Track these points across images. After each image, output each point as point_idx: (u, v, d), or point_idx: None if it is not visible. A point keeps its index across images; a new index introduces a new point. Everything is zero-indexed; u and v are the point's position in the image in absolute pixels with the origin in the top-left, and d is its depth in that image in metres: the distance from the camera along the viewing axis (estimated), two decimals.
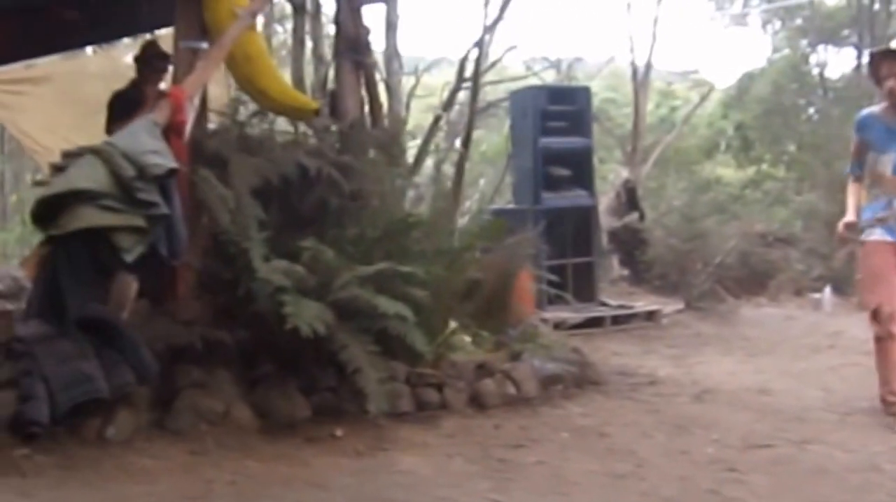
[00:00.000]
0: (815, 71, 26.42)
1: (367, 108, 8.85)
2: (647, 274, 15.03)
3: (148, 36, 9.62)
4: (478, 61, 16.02)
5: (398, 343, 6.77)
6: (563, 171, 12.58)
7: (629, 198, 16.40)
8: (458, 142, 19.61)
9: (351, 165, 7.55)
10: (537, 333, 8.61)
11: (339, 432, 6.36)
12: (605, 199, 16.10)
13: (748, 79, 27.25)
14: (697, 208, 15.37)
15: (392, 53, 16.04)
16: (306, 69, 15.05)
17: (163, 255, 5.94)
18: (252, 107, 7.97)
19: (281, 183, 7.08)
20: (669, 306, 13.24)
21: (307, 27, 14.92)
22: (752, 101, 26.57)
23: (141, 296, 6.92)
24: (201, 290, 6.77)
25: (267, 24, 18.53)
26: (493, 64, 20.75)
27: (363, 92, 8.83)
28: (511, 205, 13.31)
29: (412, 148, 15.76)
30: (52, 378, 5.62)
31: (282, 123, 8.15)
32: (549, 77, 24.01)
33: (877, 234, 7.12)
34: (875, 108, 7.34)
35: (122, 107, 7.89)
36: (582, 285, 12.40)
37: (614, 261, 15.93)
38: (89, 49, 11.97)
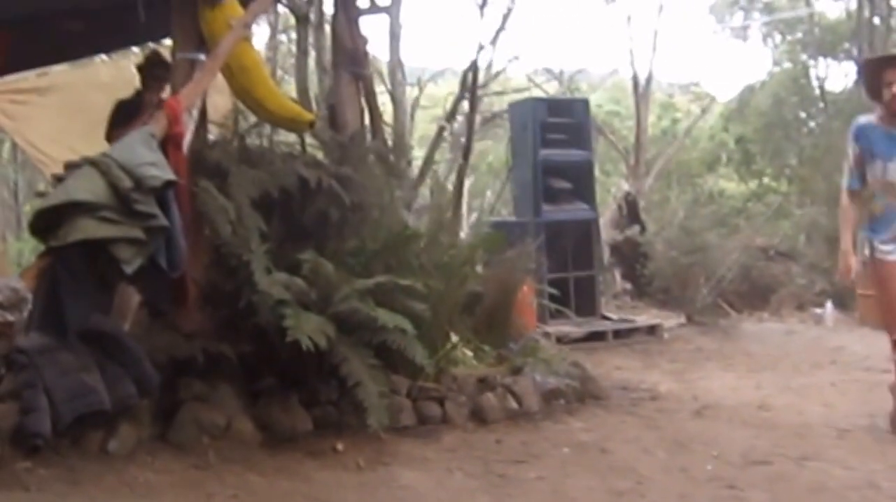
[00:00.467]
0: (816, 84, 26.40)
1: (366, 120, 8.85)
2: (648, 287, 15.03)
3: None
4: (475, 74, 16.00)
5: (399, 356, 6.77)
6: (564, 184, 12.59)
7: (630, 211, 16.42)
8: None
9: (351, 177, 7.54)
10: (539, 347, 8.60)
11: (340, 446, 6.35)
12: (607, 212, 16.11)
13: (749, 92, 27.26)
14: (698, 221, 15.33)
15: (396, 64, 16.04)
16: (310, 80, 15.07)
17: (162, 267, 5.93)
18: (252, 118, 7.97)
19: (281, 194, 7.06)
20: (671, 320, 13.27)
21: (311, 38, 14.93)
22: (752, 113, 26.58)
23: (143, 307, 6.91)
24: (203, 302, 6.76)
25: (272, 35, 18.56)
26: (496, 75, 20.78)
27: (363, 103, 8.83)
28: (512, 218, 13.29)
29: (417, 159, 15.80)
30: (55, 390, 5.59)
31: (282, 134, 8.14)
32: (552, 89, 24.05)
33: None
34: (871, 117, 7.19)
35: (124, 115, 7.93)
36: (583, 299, 12.42)
37: (616, 274, 15.93)
38: (97, 58, 11.96)
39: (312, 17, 14.68)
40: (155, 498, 5.38)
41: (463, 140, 16.48)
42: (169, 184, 5.83)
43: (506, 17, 19.24)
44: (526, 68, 25.77)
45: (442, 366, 7.45)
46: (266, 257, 6.52)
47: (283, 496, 5.51)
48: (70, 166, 6.52)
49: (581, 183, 12.83)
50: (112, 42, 8.99)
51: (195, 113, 6.79)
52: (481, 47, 16.73)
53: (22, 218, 21.44)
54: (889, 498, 5.52)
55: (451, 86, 19.91)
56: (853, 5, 24.01)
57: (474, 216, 14.10)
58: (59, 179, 5.90)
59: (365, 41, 8.82)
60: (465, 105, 17.86)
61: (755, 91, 26.94)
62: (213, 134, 7.65)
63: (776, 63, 27.48)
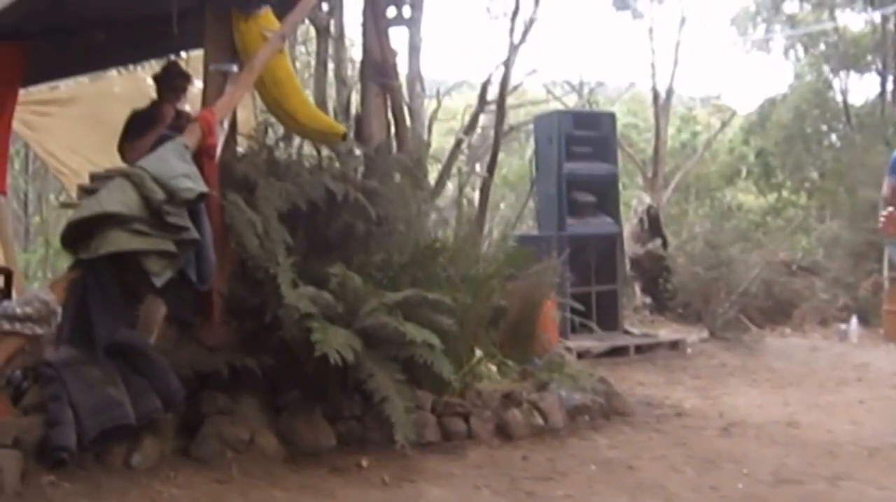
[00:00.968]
0: (838, 97, 26.27)
1: (392, 132, 8.80)
2: (670, 302, 14.95)
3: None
4: (503, 85, 15.94)
5: (424, 371, 6.73)
6: (588, 198, 12.54)
7: (652, 225, 16.32)
8: (478, 166, 19.60)
9: (377, 190, 7.52)
10: (564, 363, 8.53)
11: (364, 462, 6.30)
12: (627, 226, 16.03)
13: (770, 104, 27.14)
14: (721, 236, 15.27)
15: (415, 76, 16.01)
16: (329, 91, 15.05)
17: (192, 280, 5.90)
18: (280, 130, 7.94)
19: (308, 207, 7.04)
20: (693, 335, 13.18)
21: (330, 49, 14.92)
22: (773, 127, 26.44)
23: (168, 320, 6.87)
24: (228, 316, 6.73)
25: (291, 46, 18.56)
26: (515, 87, 20.73)
27: (389, 116, 8.79)
28: (535, 232, 13.22)
29: (433, 171, 15.74)
30: (80, 403, 5.58)
31: (309, 147, 8.10)
32: (571, 101, 23.99)
33: None
34: None
35: (138, 126, 7.87)
36: (606, 313, 12.35)
37: (636, 288, 15.86)
38: (114, 70, 11.95)
39: (332, 28, 14.69)
40: None
41: (481, 152, 16.43)
42: (202, 196, 5.80)
43: (526, 31, 19.21)
44: (544, 80, 25.76)
45: (467, 381, 7.40)
46: (292, 270, 6.48)
47: None
48: (95, 178, 6.51)
49: (605, 196, 12.78)
50: (143, 53, 8.97)
51: (225, 125, 6.77)
52: (509, 60, 16.64)
53: (31, 229, 21.47)
54: None
55: (466, 98, 19.86)
56: (877, 18, 23.89)
57: (489, 228, 14.03)
58: (86, 191, 5.87)
59: (394, 53, 8.78)
60: (482, 118, 17.87)
61: (776, 104, 26.81)
62: (240, 146, 7.62)
63: (798, 76, 27.34)
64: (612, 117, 13.69)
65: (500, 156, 23.14)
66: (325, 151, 8.14)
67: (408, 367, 6.59)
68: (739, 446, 7.19)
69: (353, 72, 14.65)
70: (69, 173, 9.45)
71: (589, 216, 12.55)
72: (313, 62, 16.33)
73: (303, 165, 7.54)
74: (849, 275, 15.84)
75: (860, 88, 41.59)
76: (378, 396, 6.25)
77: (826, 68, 26.19)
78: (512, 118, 20.49)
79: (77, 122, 10.24)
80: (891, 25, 22.96)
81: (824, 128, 26.70)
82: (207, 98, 7.03)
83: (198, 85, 8.04)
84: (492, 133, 17.47)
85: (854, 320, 14.10)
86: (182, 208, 5.66)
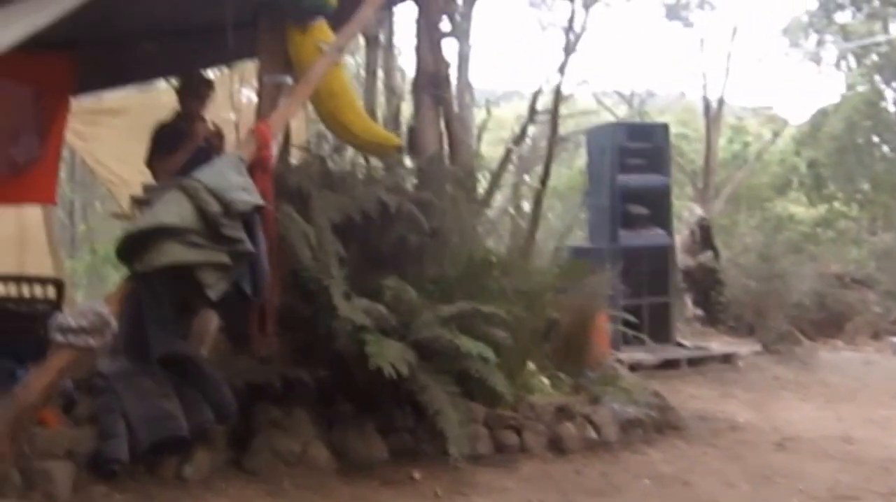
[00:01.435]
0: (891, 108, 26.06)
1: (445, 144, 8.77)
2: (722, 314, 14.84)
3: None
4: (556, 95, 15.90)
5: (477, 384, 6.69)
6: (641, 210, 12.48)
7: (704, 237, 16.22)
8: (527, 177, 19.57)
9: (430, 202, 7.48)
10: (617, 376, 8.48)
11: (416, 474, 6.28)
12: (678, 237, 15.94)
13: (822, 115, 26.95)
14: (774, 248, 15.16)
15: (464, 86, 16.03)
16: (378, 101, 15.06)
17: (246, 292, 5.89)
18: (333, 142, 7.94)
19: (361, 219, 7.02)
20: (745, 348, 13.06)
21: (379, 59, 14.94)
22: (825, 137, 26.27)
23: (221, 332, 6.88)
24: (281, 327, 6.71)
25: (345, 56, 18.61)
26: (566, 98, 20.70)
27: (442, 127, 8.76)
28: (587, 244, 13.16)
29: (484, 181, 15.72)
30: (133, 415, 5.59)
31: (361, 158, 8.10)
32: (621, 112, 23.94)
33: None
34: None
35: (168, 140, 7.83)
36: (658, 326, 12.26)
37: (687, 300, 15.75)
38: (163, 81, 12.01)
39: (382, 38, 14.70)
40: None
41: (530, 163, 16.39)
42: (257, 208, 5.80)
43: (577, 40, 19.19)
44: (594, 90, 25.72)
45: (520, 393, 7.35)
46: (345, 282, 6.47)
47: None
48: (149, 189, 6.52)
49: (658, 208, 12.71)
50: (197, 63, 8.98)
51: (280, 137, 6.77)
52: (562, 71, 16.63)
53: (76, 238, 21.62)
54: None
55: (515, 108, 19.84)
56: None
57: (547, 240, 13.95)
58: (140, 202, 5.88)
59: (447, 65, 8.76)
60: (531, 128, 17.83)
61: (828, 114, 26.63)
62: (294, 157, 7.63)
63: (850, 87, 27.14)
64: (665, 129, 13.63)
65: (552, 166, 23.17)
66: (377, 163, 8.15)
67: (461, 380, 6.55)
68: (794, 461, 7.14)
69: (402, 81, 14.68)
70: (119, 182, 9.50)
71: (641, 228, 12.49)
72: (363, 72, 16.38)
73: (356, 177, 7.54)
74: None
75: None
76: (431, 409, 6.22)
77: (878, 79, 25.98)
78: (561, 128, 20.46)
79: (126, 132, 10.26)
80: None
81: (876, 139, 26.48)
82: (262, 110, 7.04)
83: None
84: (541, 143, 17.44)
85: None
86: (237, 220, 5.66)
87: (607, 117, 21.07)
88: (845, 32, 25.83)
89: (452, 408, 6.26)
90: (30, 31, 5.65)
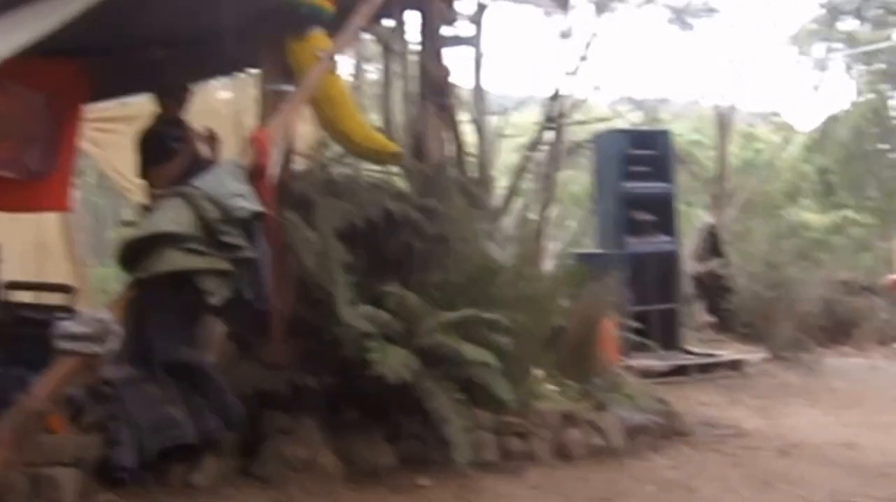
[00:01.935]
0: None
1: (451, 151, 8.80)
2: (731, 321, 14.84)
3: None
4: (561, 104, 15.90)
5: (483, 391, 6.69)
6: (647, 216, 12.51)
7: (712, 244, 16.24)
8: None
9: (435, 209, 7.50)
10: (623, 382, 8.49)
11: (424, 481, 6.29)
12: (689, 244, 15.96)
13: (831, 122, 26.96)
14: (780, 255, 15.16)
15: (479, 94, 15.99)
16: (395, 109, 15.04)
17: (248, 299, 5.92)
18: (337, 149, 7.96)
19: (366, 226, 7.04)
20: (754, 355, 13.06)
21: (397, 67, 14.91)
22: (833, 144, 26.28)
23: (228, 339, 6.90)
24: (287, 335, 6.73)
25: (357, 64, 18.57)
26: (581, 104, 20.70)
27: (447, 134, 8.79)
28: (595, 250, 13.18)
29: (500, 188, 15.72)
30: (140, 422, 5.60)
31: (366, 165, 8.12)
32: (635, 118, 23.95)
33: None
34: None
35: (157, 145, 7.84)
36: (666, 332, 12.28)
37: (699, 307, 15.75)
38: None
39: (398, 46, 14.70)
40: None
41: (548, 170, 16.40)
42: (257, 215, 5.83)
43: (588, 47, 19.20)
44: (609, 97, 25.74)
45: (526, 400, 7.36)
46: (350, 289, 6.49)
47: None
48: (157, 197, 6.55)
49: (664, 215, 12.76)
50: (200, 73, 9.02)
51: (281, 144, 6.80)
52: (566, 77, 16.64)
53: (107, 245, 21.67)
54: None
55: (535, 114, 19.82)
56: None
57: (553, 246, 13.93)
58: (146, 209, 5.92)
59: (448, 72, 8.78)
60: (548, 134, 17.81)
61: (836, 121, 26.64)
62: (298, 164, 7.64)
63: (859, 93, 27.15)
64: (668, 136, 13.70)
65: (569, 172, 23.15)
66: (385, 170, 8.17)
67: (466, 387, 6.56)
68: (796, 467, 7.16)
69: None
70: (135, 189, 9.52)
71: (648, 234, 12.53)
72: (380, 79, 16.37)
73: (360, 184, 7.55)
74: None
75: None
76: (436, 416, 6.24)
77: (885, 86, 25.99)
78: (578, 134, 20.46)
79: None
80: None
81: (884, 146, 26.48)
82: (263, 118, 7.07)
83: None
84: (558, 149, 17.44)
85: None
86: (237, 227, 5.69)
87: (622, 124, 21.07)
88: (852, 39, 25.82)
89: (457, 415, 6.27)
90: (35, 37, 5.70)
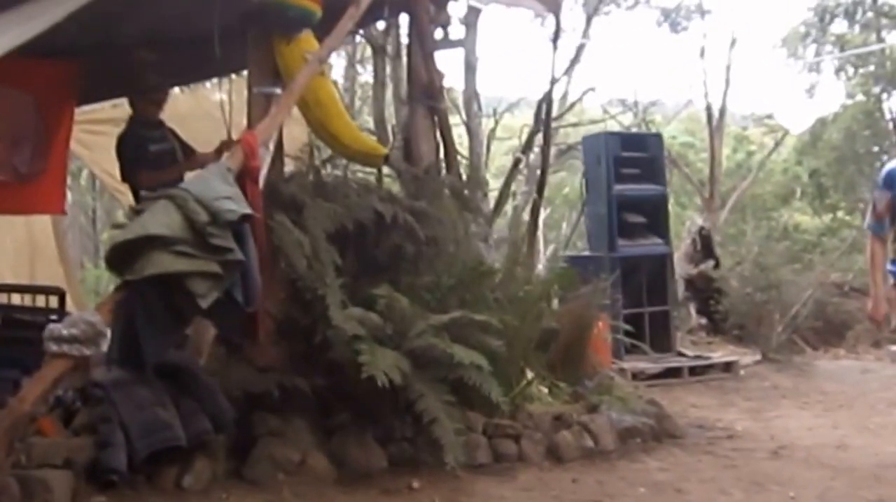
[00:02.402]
0: (888, 117, 26.08)
1: (441, 154, 8.80)
2: (723, 323, 14.85)
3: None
4: (548, 106, 15.89)
5: (474, 393, 6.71)
6: (638, 219, 12.49)
7: (704, 246, 16.25)
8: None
9: (425, 211, 7.51)
10: (614, 384, 8.50)
11: (415, 484, 6.28)
12: (681, 246, 15.97)
13: (821, 124, 26.98)
14: (772, 258, 15.14)
15: (472, 95, 16.01)
16: (387, 111, 15.07)
17: (238, 301, 5.91)
18: (327, 151, 7.96)
19: (356, 228, 7.04)
20: (746, 357, 13.08)
21: (388, 69, 14.94)
22: (825, 147, 26.31)
23: (218, 342, 6.89)
24: (278, 337, 6.74)
25: (349, 66, 18.61)
26: (571, 106, 20.70)
27: (437, 137, 8.79)
28: (586, 253, 13.18)
29: (492, 190, 15.71)
30: (130, 425, 5.61)
31: (356, 167, 8.12)
32: (627, 120, 23.96)
33: None
34: None
35: (136, 149, 7.92)
36: (658, 334, 12.27)
37: (691, 309, 15.75)
38: (176, 89, 12.04)
39: (389, 48, 14.72)
40: None
41: (538, 173, 16.37)
42: (245, 217, 5.82)
43: (580, 49, 19.23)
44: (601, 99, 25.74)
45: (517, 402, 7.38)
46: (341, 292, 6.50)
47: None
48: (145, 199, 6.53)
49: (655, 217, 12.73)
50: (188, 75, 9.02)
51: (271, 146, 6.80)
52: (553, 81, 16.62)
53: (100, 246, 21.65)
54: None
55: (527, 116, 19.84)
56: None
57: (550, 249, 13.97)
58: (135, 211, 5.91)
59: (441, 75, 8.79)
60: (541, 137, 17.82)
61: (828, 124, 26.67)
62: (288, 166, 7.64)
63: (849, 95, 27.17)
64: (659, 138, 13.70)
65: (562, 175, 23.18)
66: (375, 172, 8.19)
67: (458, 389, 6.57)
68: (788, 469, 7.15)
69: None
70: (126, 191, 9.51)
71: (639, 237, 12.50)
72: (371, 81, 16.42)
73: (350, 186, 7.56)
74: None
75: None
76: (427, 418, 6.24)
77: (876, 88, 26.01)
78: (573, 136, 20.47)
79: None
80: None
81: (875, 148, 26.50)
82: (251, 121, 7.07)
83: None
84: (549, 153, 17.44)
85: None
86: (226, 230, 5.68)
87: (614, 126, 21.08)
88: (842, 42, 25.84)
89: (448, 417, 6.27)
90: (25, 38, 5.69)
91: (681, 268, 15.21)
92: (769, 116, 30.77)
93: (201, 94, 11.82)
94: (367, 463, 6.48)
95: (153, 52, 7.98)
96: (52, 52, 7.43)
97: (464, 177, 9.55)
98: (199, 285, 5.56)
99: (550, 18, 17.39)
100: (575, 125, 20.94)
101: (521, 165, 17.78)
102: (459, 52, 14.66)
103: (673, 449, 7.69)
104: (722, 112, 25.14)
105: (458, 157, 9.48)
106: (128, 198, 8.67)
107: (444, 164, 8.72)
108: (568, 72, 19.31)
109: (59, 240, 10.86)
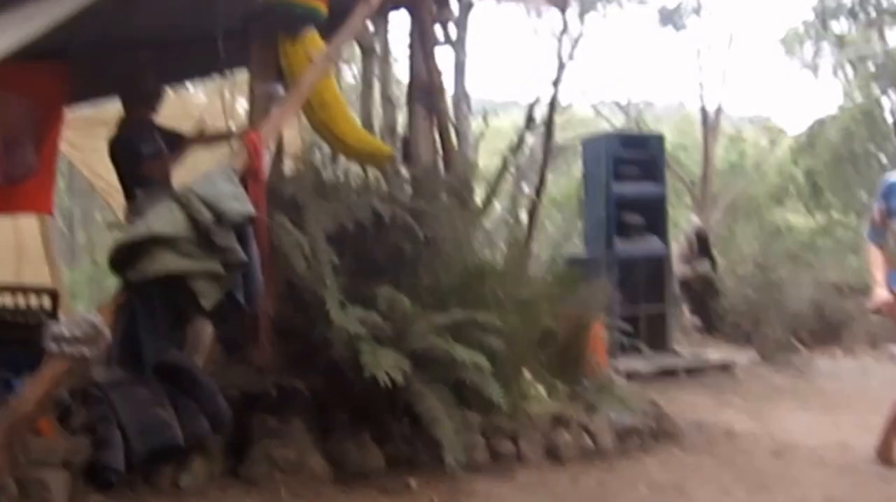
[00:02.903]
0: (888, 117, 26.08)
1: (440, 154, 8.77)
2: (719, 323, 14.84)
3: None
4: (551, 105, 15.86)
5: (473, 393, 6.68)
6: (637, 219, 12.48)
7: (701, 246, 16.24)
8: (525, 187, 19.55)
9: (425, 211, 7.49)
10: (613, 384, 8.48)
11: (413, 483, 6.27)
12: (676, 246, 15.95)
13: (819, 125, 26.98)
14: (770, 257, 15.14)
15: (461, 96, 15.95)
16: (374, 111, 15.00)
17: (240, 302, 5.90)
18: (327, 151, 7.94)
19: (356, 228, 7.02)
20: (743, 357, 13.07)
21: (376, 69, 14.88)
22: (822, 147, 26.30)
23: (216, 342, 6.88)
24: (276, 337, 6.71)
25: (336, 66, 18.53)
26: (563, 108, 20.69)
27: (436, 137, 8.76)
28: (583, 253, 13.16)
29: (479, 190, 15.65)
30: (129, 425, 5.60)
31: (355, 167, 8.09)
32: (618, 121, 23.97)
33: None
34: None
35: (130, 150, 7.83)
36: (655, 334, 12.26)
37: (685, 309, 15.75)
38: None
39: (378, 48, 14.66)
40: None
41: (528, 173, 16.34)
42: (249, 218, 5.81)
43: (573, 50, 19.20)
44: (591, 100, 25.75)
45: (516, 402, 7.34)
46: (340, 291, 6.47)
47: None
48: (144, 198, 6.51)
49: (654, 217, 12.72)
50: (188, 73, 9.00)
51: (272, 146, 6.78)
52: (557, 80, 16.61)
53: (76, 248, 21.60)
54: None
55: (514, 118, 19.83)
56: None
57: (535, 248, 13.90)
58: (135, 212, 5.89)
59: (440, 74, 8.76)
60: (530, 138, 17.78)
61: (825, 124, 26.66)
62: (288, 166, 7.63)
63: (847, 96, 27.16)
64: (660, 139, 13.64)
65: (552, 176, 23.16)
66: (372, 172, 8.15)
67: (457, 389, 6.55)
68: (791, 469, 7.12)
69: (399, 91, 14.68)
70: (115, 193, 9.48)
71: (637, 237, 12.49)
72: (354, 81, 16.36)
73: (350, 186, 7.54)
74: None
75: None
76: (427, 418, 6.22)
77: (875, 89, 26.01)
78: (560, 138, 20.45)
79: None
80: None
81: (873, 148, 26.51)
82: (253, 120, 7.05)
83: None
84: (539, 153, 17.40)
85: None
86: (229, 230, 5.67)
87: (605, 127, 21.10)
88: (842, 42, 25.83)
89: (447, 417, 6.25)
90: (21, 42, 5.66)
91: (676, 268, 15.20)
92: (767, 118, 30.86)
93: (184, 95, 11.78)
94: (365, 462, 6.46)
95: (153, 53, 7.95)
96: (48, 53, 7.39)
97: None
98: (201, 285, 5.56)
99: (546, 12, 17.42)
100: (565, 127, 20.92)
101: (510, 166, 17.73)
102: (449, 53, 14.62)
103: (672, 449, 7.67)
104: (717, 112, 25.15)
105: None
106: (119, 199, 8.65)
107: (442, 164, 8.69)
108: (561, 73, 19.26)
109: (45, 241, 10.85)
